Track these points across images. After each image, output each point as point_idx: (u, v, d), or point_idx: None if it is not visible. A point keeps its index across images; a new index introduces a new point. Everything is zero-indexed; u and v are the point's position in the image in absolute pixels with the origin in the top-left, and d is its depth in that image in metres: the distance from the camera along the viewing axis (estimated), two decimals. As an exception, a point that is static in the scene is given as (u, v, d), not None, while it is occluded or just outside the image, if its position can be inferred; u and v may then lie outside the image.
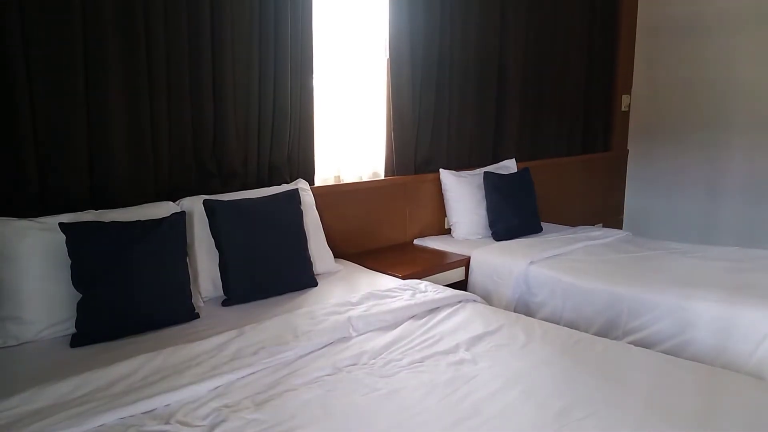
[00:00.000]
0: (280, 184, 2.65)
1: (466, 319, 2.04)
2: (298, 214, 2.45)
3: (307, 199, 2.63)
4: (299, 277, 2.37)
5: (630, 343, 2.26)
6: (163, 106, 2.28)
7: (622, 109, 4.97)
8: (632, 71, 4.99)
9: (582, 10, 4.39)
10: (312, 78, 2.78)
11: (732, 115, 4.45)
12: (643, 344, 2.29)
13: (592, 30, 4.52)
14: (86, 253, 1.84)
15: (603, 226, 4.41)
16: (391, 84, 3.15)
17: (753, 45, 4.30)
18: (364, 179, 3.18)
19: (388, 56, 3.13)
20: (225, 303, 2.18)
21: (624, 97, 4.95)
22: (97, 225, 1.89)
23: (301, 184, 2.68)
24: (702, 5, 4.52)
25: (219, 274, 2.22)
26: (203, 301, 2.19)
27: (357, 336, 1.88)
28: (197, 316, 2.03)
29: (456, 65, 3.47)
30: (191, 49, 2.35)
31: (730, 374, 1.72)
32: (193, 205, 2.26)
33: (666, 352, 2.17)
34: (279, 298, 2.26)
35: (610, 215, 5.01)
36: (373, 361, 1.72)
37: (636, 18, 4.91)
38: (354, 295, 2.19)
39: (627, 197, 5.16)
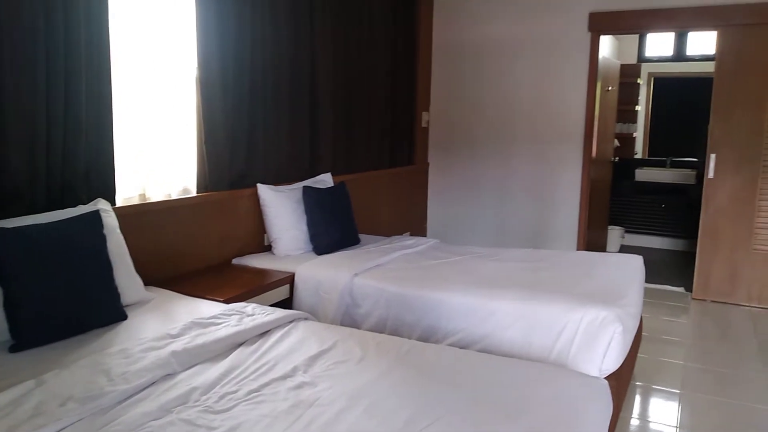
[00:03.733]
0: (75, 206, 2.32)
1: (299, 339, 1.98)
2: (101, 240, 2.17)
3: (110, 221, 2.34)
4: (105, 311, 2.09)
5: (450, 345, 2.41)
6: None
7: (423, 125, 5.33)
8: (430, 90, 5.39)
9: (385, 33, 4.62)
10: (110, 85, 2.49)
11: (516, 129, 5.08)
12: (461, 345, 2.45)
13: (395, 52, 4.79)
14: None
15: (410, 235, 4.69)
16: (201, 97, 2.96)
17: (528, 68, 4.96)
18: (174, 197, 2.94)
19: (197, 68, 2.95)
20: (14, 348, 1.84)
21: (424, 113, 5.32)
22: None
23: (102, 205, 2.38)
24: (483, 33, 5.08)
25: (4, 315, 1.87)
26: (-17, 350, 1.82)
27: (183, 371, 1.72)
28: (-23, 368, 1.68)
29: (269, 81, 3.40)
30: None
31: (538, 365, 1.92)
32: (-35, 235, 1.87)
33: (482, 351, 2.36)
34: (83, 336, 1.97)
35: (416, 224, 5.35)
36: (206, 396, 1.58)
37: (431, 41, 5.32)
38: (173, 326, 2.00)
39: (429, 206, 5.56)
